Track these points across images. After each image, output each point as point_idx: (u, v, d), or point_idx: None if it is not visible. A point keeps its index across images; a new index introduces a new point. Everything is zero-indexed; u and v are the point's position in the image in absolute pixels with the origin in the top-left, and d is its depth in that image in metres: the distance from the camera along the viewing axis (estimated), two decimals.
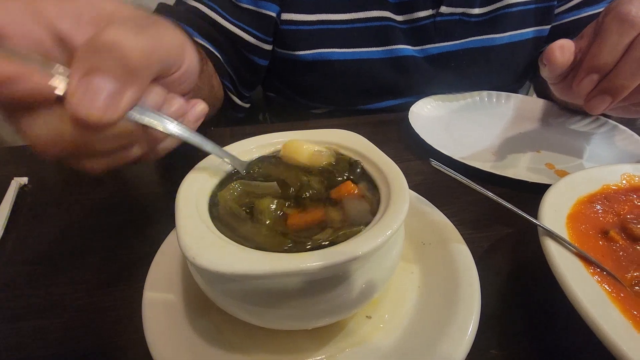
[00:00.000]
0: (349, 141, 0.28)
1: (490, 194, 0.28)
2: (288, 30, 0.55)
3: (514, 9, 0.60)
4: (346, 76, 0.58)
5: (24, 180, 0.41)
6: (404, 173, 0.24)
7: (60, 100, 0.18)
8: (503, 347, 0.24)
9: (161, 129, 0.21)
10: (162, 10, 0.53)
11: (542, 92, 0.67)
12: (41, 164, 0.47)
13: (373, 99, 0.61)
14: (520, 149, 0.48)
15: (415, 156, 0.48)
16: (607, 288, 0.22)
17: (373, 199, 0.23)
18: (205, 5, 0.52)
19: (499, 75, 0.64)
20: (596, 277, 0.22)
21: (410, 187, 0.32)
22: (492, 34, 0.60)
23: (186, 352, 0.21)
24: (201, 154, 0.25)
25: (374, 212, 0.22)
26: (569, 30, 0.62)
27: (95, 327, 0.26)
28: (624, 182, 0.31)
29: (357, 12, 0.56)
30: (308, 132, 0.29)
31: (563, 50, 0.34)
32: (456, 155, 0.43)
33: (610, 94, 0.33)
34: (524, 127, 0.55)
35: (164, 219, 0.33)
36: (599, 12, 0.62)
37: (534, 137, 0.52)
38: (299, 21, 0.55)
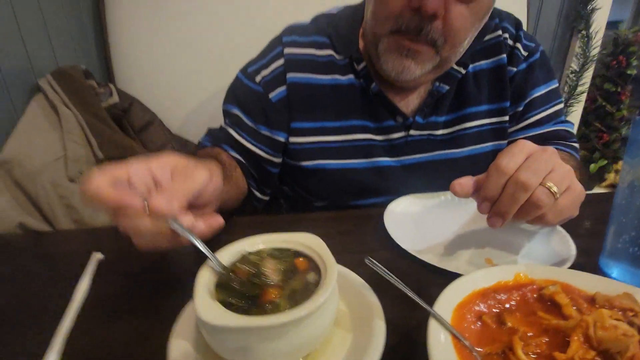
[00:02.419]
0: (307, 241, 0.42)
1: (403, 288, 0.40)
2: (295, 149, 0.76)
3: (472, 130, 0.77)
4: (338, 181, 0.76)
5: (100, 254, 0.59)
6: (364, 262, 0.38)
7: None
8: None
9: (184, 235, 0.38)
10: (210, 133, 0.76)
11: None
12: (112, 241, 0.65)
13: (359, 197, 0.78)
14: (469, 245, 0.60)
15: (381, 247, 0.61)
16: (460, 355, 0.33)
17: (315, 279, 0.37)
18: (236, 132, 0.75)
19: None
20: (455, 347, 0.33)
21: (370, 272, 0.45)
22: (455, 148, 0.77)
23: None
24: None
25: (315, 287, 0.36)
26: None
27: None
28: (515, 279, 0.43)
29: (346, 135, 0.75)
30: (277, 235, 0.44)
31: (462, 186, 0.49)
32: (414, 248, 0.56)
33: (500, 216, 0.47)
34: (478, 225, 0.66)
35: (188, 290, 0.48)
36: (545, 132, 0.78)
37: (485, 234, 0.64)
38: (302, 142, 0.75)
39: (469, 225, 0.67)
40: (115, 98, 1.03)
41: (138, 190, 0.38)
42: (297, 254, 0.41)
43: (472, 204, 0.74)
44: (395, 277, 0.41)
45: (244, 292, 0.36)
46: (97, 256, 0.58)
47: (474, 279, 0.42)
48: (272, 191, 0.83)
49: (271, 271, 0.38)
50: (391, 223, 0.63)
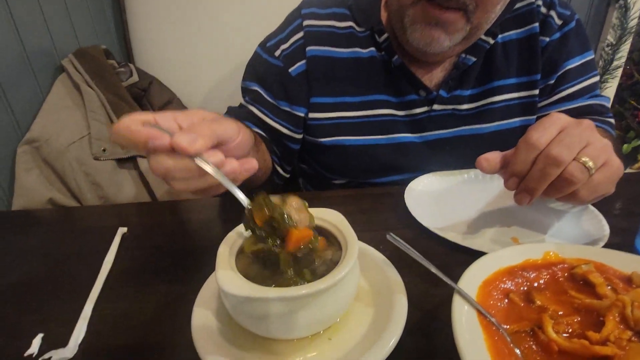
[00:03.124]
0: (328, 216, 0.42)
1: (426, 264, 0.39)
2: (314, 125, 0.74)
3: (499, 105, 0.73)
4: (357, 157, 0.74)
5: (125, 229, 0.60)
6: (385, 239, 0.37)
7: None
8: None
9: (211, 173, 0.37)
10: (230, 111, 0.76)
11: None
12: (136, 217, 0.67)
13: (378, 175, 0.76)
14: (494, 223, 0.58)
15: (402, 225, 0.60)
16: (486, 332, 0.32)
17: (336, 254, 0.37)
18: (256, 109, 0.74)
19: None
20: (482, 324, 0.32)
21: (391, 249, 0.45)
22: (480, 124, 0.73)
23: (217, 349, 0.35)
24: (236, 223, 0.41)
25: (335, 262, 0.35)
26: None
27: (162, 331, 0.41)
28: (544, 257, 0.41)
29: (367, 110, 0.73)
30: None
31: (488, 161, 0.46)
32: (435, 226, 0.55)
33: (528, 193, 0.45)
34: (503, 203, 0.64)
35: (210, 263, 0.49)
36: (579, 106, 0.74)
37: (511, 212, 0.61)
38: (322, 118, 0.73)
39: (494, 204, 0.64)
40: (135, 77, 1.04)
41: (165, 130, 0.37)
42: (318, 229, 0.41)
43: (496, 183, 0.72)
44: (418, 253, 0.40)
45: (266, 248, 0.35)
46: (122, 230, 0.60)
47: (500, 256, 0.41)
48: (292, 169, 0.83)
49: (295, 211, 0.37)
50: (412, 201, 0.62)
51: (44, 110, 0.86)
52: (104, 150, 0.85)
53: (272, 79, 0.73)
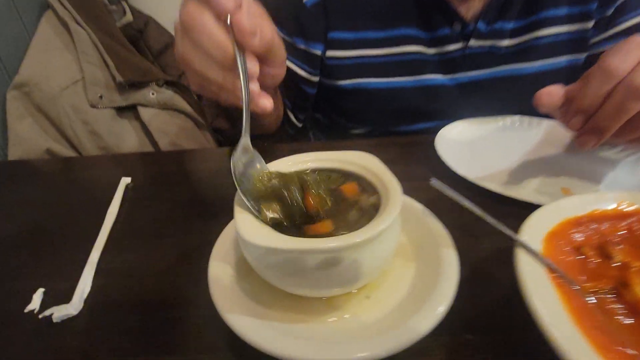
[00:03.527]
0: (362, 160, 0.35)
1: (479, 211, 0.33)
2: (332, 65, 0.65)
3: (545, 40, 0.63)
4: (381, 102, 0.66)
5: (128, 179, 0.55)
6: (421, 190, 0.31)
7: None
8: (475, 333, 0.30)
9: (240, 78, 0.33)
10: None
11: None
12: (140, 167, 0.61)
13: (405, 122, 0.68)
14: (540, 173, 0.52)
15: (435, 175, 0.53)
16: (561, 291, 0.27)
17: (374, 203, 0.31)
18: None
19: (529, 103, 0.67)
20: (554, 282, 0.27)
21: (423, 201, 0.39)
22: (522, 62, 0.64)
23: (238, 306, 0.30)
24: None
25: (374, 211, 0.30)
26: None
27: (175, 286, 0.37)
28: (615, 208, 0.35)
29: (392, 47, 0.64)
30: (334, 154, 0.37)
31: (550, 95, 0.39)
32: (473, 176, 0.48)
33: (595, 134, 0.37)
34: (548, 152, 0.57)
35: (224, 213, 0.44)
36: None
37: (557, 161, 0.55)
38: (341, 57, 0.64)
39: (537, 152, 0.57)
40: (129, 17, 0.93)
41: None
42: (349, 176, 0.35)
43: (538, 131, 0.65)
44: (468, 201, 0.34)
45: (291, 203, 0.30)
46: (125, 181, 0.54)
47: (563, 206, 0.35)
48: (305, 119, 0.75)
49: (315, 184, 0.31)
50: (445, 149, 0.55)
51: (32, 51, 0.77)
52: (101, 97, 0.78)
53: (285, 11, 0.63)
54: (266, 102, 0.37)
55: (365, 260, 0.28)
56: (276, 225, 0.29)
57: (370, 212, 0.30)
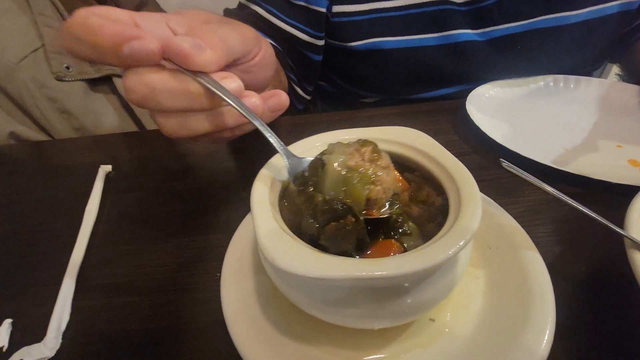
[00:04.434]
0: (414, 140, 0.27)
1: (568, 200, 0.26)
2: (339, 22, 0.55)
3: None
4: (400, 65, 0.57)
5: (109, 167, 0.46)
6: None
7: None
8: None
9: (220, 95, 0.23)
10: (228, 14, 0.56)
11: (635, 74, 0.60)
12: (122, 152, 0.52)
13: (428, 87, 0.59)
14: (597, 143, 0.44)
15: (472, 149, 0.45)
16: None
17: (440, 205, 0.23)
18: (262, 9, 0.54)
19: (572, 58, 0.58)
20: None
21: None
22: (566, 11, 0.54)
23: (262, 341, 0.23)
24: (270, 154, 0.27)
25: (442, 218, 0.22)
26: None
27: (177, 307, 0.29)
28: None
29: None
30: (372, 130, 0.29)
31: None
32: (521, 149, 0.40)
33: None
34: (600, 116, 0.50)
35: (235, 207, 0.36)
36: None
37: (613, 128, 0.47)
38: (351, 12, 0.54)
39: (586, 118, 0.49)
40: None
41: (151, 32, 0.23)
42: (404, 164, 0.27)
43: (581, 89, 0.55)
44: (560, 192, 0.26)
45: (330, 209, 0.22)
46: (105, 169, 0.45)
47: None
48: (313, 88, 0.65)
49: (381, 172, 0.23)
50: (480, 117, 0.47)
51: None
52: (68, 67, 0.66)
53: None
54: (280, 98, 0.29)
55: (436, 284, 0.21)
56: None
57: (437, 217, 0.22)
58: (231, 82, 0.24)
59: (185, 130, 0.26)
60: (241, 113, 0.24)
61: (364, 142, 0.24)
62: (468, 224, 0.20)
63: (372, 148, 0.24)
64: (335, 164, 0.22)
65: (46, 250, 0.36)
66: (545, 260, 0.25)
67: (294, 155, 0.26)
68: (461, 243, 0.19)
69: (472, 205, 0.21)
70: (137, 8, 0.83)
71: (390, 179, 0.23)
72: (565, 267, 0.28)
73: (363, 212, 0.22)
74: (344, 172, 0.22)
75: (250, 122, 0.24)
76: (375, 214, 0.22)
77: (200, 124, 0.26)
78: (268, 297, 0.26)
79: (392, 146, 0.28)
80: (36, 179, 0.48)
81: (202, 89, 0.24)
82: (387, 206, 0.23)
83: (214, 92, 0.23)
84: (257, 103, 0.25)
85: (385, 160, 0.24)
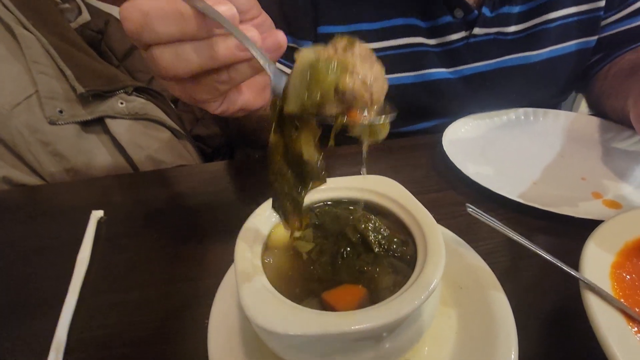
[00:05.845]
0: (390, 190, 0.29)
1: (527, 244, 0.28)
2: None
3: (554, 24, 0.58)
4: None
5: (100, 213, 0.47)
6: (436, 204, 0.26)
7: None
8: None
9: (214, 18, 0.23)
10: None
11: (597, 106, 0.64)
12: (114, 195, 0.53)
13: (406, 122, 0.62)
14: (563, 175, 0.47)
15: (448, 184, 0.48)
16: None
17: (409, 251, 0.25)
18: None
19: (539, 92, 0.63)
20: (638, 333, 0.22)
21: (443, 222, 0.34)
22: (530, 50, 0.59)
23: None
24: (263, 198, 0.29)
25: (410, 265, 0.24)
26: (620, 41, 0.60)
27: (166, 358, 0.30)
28: None
29: (389, 40, 0.57)
30: (354, 179, 0.31)
31: None
32: (492, 184, 0.43)
33: None
34: (566, 149, 0.53)
35: (225, 251, 0.37)
36: None
37: (578, 160, 0.50)
38: None
39: (553, 150, 0.53)
40: (86, 16, 0.82)
41: None
42: (376, 212, 0.29)
43: (549, 121, 0.59)
44: (526, 239, 0.29)
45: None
46: (97, 215, 0.47)
47: (618, 225, 0.30)
48: None
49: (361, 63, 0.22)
50: (453, 152, 0.50)
51: None
52: (61, 111, 0.68)
53: (271, 6, 0.56)
54: (277, 36, 0.29)
55: (408, 331, 0.23)
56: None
57: (403, 269, 0.24)
58: (224, 6, 0.24)
59: (181, 62, 0.25)
60: (234, 35, 0.24)
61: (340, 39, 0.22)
62: (432, 276, 0.22)
63: (347, 40, 0.22)
64: (304, 60, 0.21)
65: (37, 303, 0.37)
66: (509, 299, 0.27)
67: (281, 73, 0.25)
68: (430, 288, 0.21)
69: (437, 257, 0.23)
70: (130, 50, 0.86)
71: (373, 72, 0.21)
72: (527, 306, 0.30)
73: (342, 115, 0.20)
74: (310, 61, 0.21)
75: (245, 61, 0.24)
76: (357, 116, 0.22)
77: (195, 55, 0.25)
78: (253, 346, 0.27)
79: (371, 195, 0.30)
80: (27, 228, 0.48)
81: (196, 13, 0.24)
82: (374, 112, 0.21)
83: (207, 15, 0.24)
84: (253, 35, 0.25)
85: (365, 50, 0.21)
